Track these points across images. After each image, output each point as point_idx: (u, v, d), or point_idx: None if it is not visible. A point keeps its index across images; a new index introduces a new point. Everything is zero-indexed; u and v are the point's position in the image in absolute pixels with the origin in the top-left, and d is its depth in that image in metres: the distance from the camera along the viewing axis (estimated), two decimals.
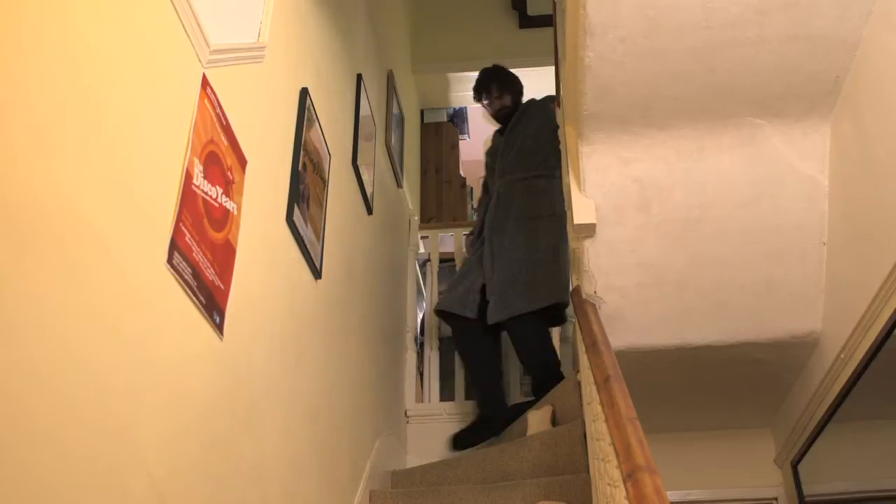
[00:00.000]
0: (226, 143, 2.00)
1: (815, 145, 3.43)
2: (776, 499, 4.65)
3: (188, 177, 1.75)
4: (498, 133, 5.15)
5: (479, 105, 5.23)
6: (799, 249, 3.57)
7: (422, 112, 6.87)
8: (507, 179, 4.80)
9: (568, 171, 3.74)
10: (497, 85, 5.09)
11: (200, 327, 1.78)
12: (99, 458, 1.32)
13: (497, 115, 5.09)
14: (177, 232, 1.68)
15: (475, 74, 6.22)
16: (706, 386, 4.27)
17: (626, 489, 1.98)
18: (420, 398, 5.04)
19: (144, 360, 1.51)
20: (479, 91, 5.11)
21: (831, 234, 3.55)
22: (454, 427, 4.58)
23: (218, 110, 1.96)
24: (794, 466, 4.39)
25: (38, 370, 1.18)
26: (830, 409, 3.84)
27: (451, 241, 5.62)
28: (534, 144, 4.83)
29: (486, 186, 5.08)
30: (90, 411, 1.31)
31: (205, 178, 1.84)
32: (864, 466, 3.67)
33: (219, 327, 1.88)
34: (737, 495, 4.70)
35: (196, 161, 1.80)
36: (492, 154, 5.07)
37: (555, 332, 5.42)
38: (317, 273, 2.78)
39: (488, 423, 4.37)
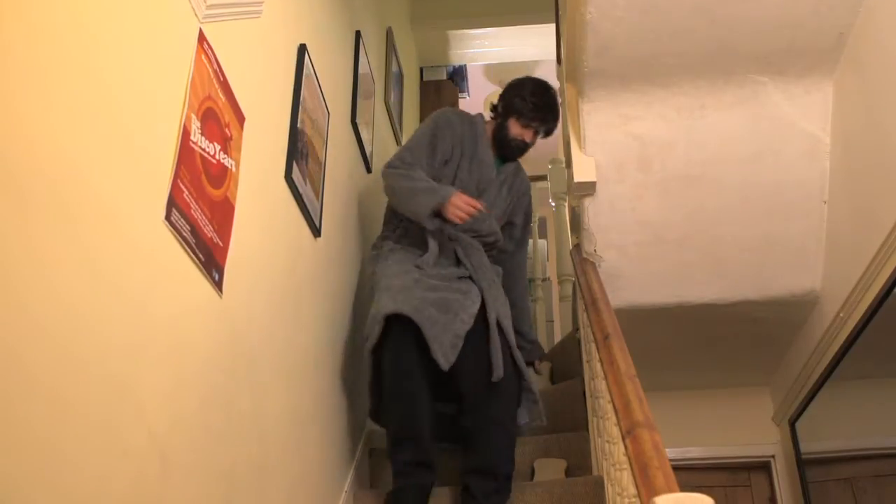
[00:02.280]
0: (223, 99, 1.98)
1: (817, 103, 3.41)
2: (773, 456, 4.69)
3: (185, 133, 1.74)
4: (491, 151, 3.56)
5: (521, 128, 3.48)
6: (799, 207, 3.56)
7: (421, 70, 6.82)
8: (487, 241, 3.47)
9: (568, 129, 3.71)
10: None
11: (199, 284, 1.78)
12: (99, 412, 1.33)
13: (518, 148, 3.53)
14: (175, 189, 1.67)
15: (475, 32, 6.11)
16: (705, 344, 4.28)
17: (625, 445, 1.99)
18: None
19: (143, 316, 1.51)
20: (548, 120, 3.54)
21: (832, 193, 3.54)
22: None
23: (215, 66, 1.94)
24: (792, 424, 4.42)
25: (37, 325, 1.17)
26: (829, 368, 3.85)
27: None
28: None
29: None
30: (89, 366, 1.31)
31: (202, 134, 1.83)
32: (862, 425, 3.69)
33: (218, 284, 1.87)
34: (734, 453, 4.73)
35: (193, 117, 1.78)
36: (469, 155, 3.50)
37: (554, 291, 5.42)
38: (316, 231, 2.77)
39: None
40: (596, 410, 3.21)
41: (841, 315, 3.57)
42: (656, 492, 1.57)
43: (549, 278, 5.85)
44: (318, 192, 2.85)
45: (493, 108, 3.63)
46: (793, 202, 3.57)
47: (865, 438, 3.67)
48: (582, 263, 3.54)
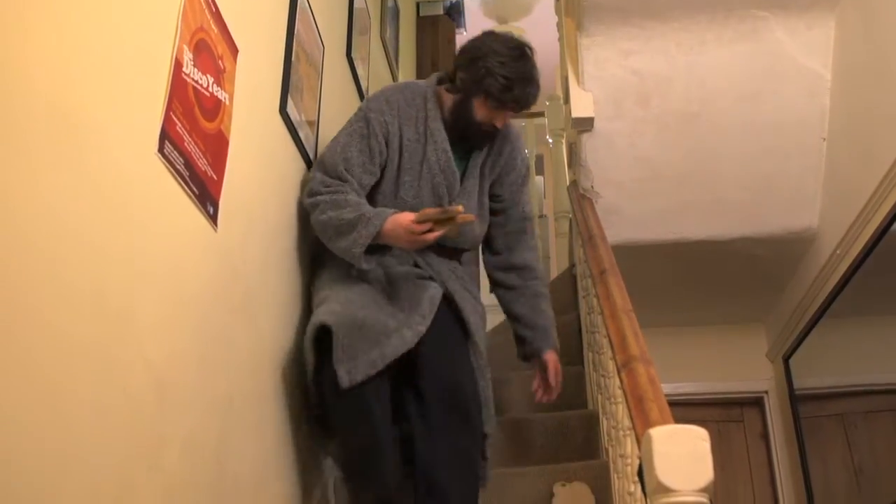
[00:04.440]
0: (216, 30, 1.95)
1: (819, 39, 3.37)
2: (766, 392, 4.74)
3: (177, 65, 1.71)
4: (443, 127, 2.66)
5: (490, 111, 2.58)
6: (799, 145, 3.55)
7: (417, 5, 6.72)
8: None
9: (566, 64, 3.68)
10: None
11: (194, 217, 1.76)
12: (97, 345, 1.32)
13: (484, 135, 2.65)
14: (167, 121, 1.64)
15: None
16: (701, 281, 4.29)
17: (620, 379, 2.00)
18: None
19: (139, 249, 1.50)
20: (526, 100, 2.60)
21: (832, 130, 3.52)
22: None
23: None
24: (786, 361, 4.45)
25: (34, 256, 1.16)
26: (824, 305, 3.87)
27: None
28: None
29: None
30: (87, 298, 1.30)
31: (195, 66, 1.80)
32: (855, 361, 3.71)
33: (213, 218, 1.86)
34: (728, 388, 4.78)
35: (185, 49, 1.75)
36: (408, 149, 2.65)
37: (550, 227, 5.41)
38: (311, 163, 2.75)
39: None
40: (591, 345, 3.23)
41: (837, 252, 3.57)
42: (651, 424, 1.58)
43: (545, 215, 5.84)
44: (314, 126, 2.82)
45: (450, 79, 2.66)
46: (792, 140, 3.55)
47: (858, 375, 3.70)
48: (579, 200, 3.54)
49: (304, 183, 2.61)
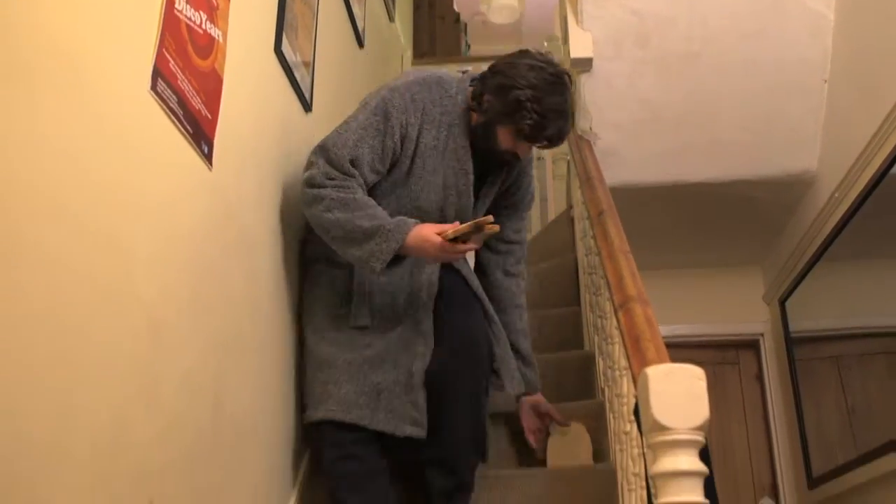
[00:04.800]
0: None
1: None
2: (762, 334, 4.76)
3: (170, 1, 1.68)
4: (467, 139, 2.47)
5: (515, 141, 2.39)
6: (800, 85, 3.52)
7: None
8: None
9: (566, 4, 3.62)
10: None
11: (188, 156, 1.74)
12: (91, 278, 1.32)
13: (505, 162, 2.51)
14: (160, 58, 1.62)
15: None
16: (699, 224, 4.29)
17: (617, 319, 2.00)
18: None
19: (132, 187, 1.48)
20: (557, 139, 2.41)
21: (833, 71, 3.48)
22: None
23: None
24: (782, 303, 4.46)
25: (30, 189, 1.15)
26: (821, 248, 3.87)
27: None
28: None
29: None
30: (79, 235, 1.29)
31: (187, 2, 1.77)
32: (850, 304, 3.72)
33: (207, 157, 1.84)
34: (724, 330, 4.80)
35: None
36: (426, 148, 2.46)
37: (548, 169, 5.38)
38: (307, 105, 2.72)
39: None
40: (589, 287, 3.23)
41: (836, 195, 3.56)
42: (648, 363, 1.58)
43: (543, 157, 5.80)
44: (309, 66, 2.79)
45: (477, 98, 2.42)
46: (793, 81, 3.52)
47: (853, 318, 3.71)
48: (577, 141, 3.51)
49: (305, 177, 2.37)
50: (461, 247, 2.22)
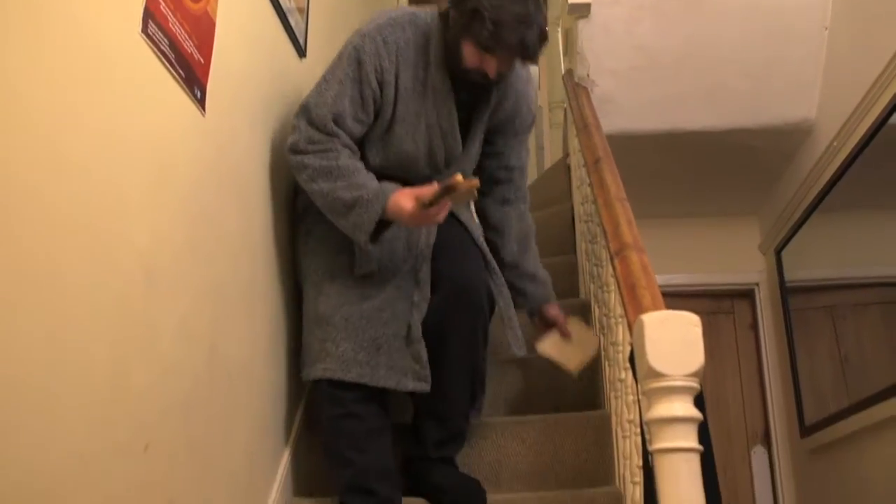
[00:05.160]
0: None
1: None
2: (758, 284, 4.76)
3: None
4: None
5: (479, 57, 2.24)
6: (800, 32, 3.48)
7: None
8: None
9: None
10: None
11: (181, 101, 1.72)
12: (85, 229, 1.30)
13: (477, 83, 2.32)
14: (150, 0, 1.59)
15: None
16: (696, 173, 4.27)
17: (613, 267, 2.00)
18: None
19: (125, 131, 1.46)
20: (523, 51, 2.23)
21: (834, 18, 3.45)
22: None
23: None
24: (778, 253, 4.46)
25: (21, 131, 1.13)
26: (818, 198, 3.86)
27: None
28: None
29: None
30: (73, 181, 1.28)
31: None
32: (846, 255, 3.72)
33: (200, 102, 1.82)
34: (719, 280, 4.80)
35: None
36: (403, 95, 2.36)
37: (545, 118, 5.35)
38: (301, 51, 2.69)
39: None
40: (585, 235, 3.23)
41: (834, 144, 3.54)
42: (643, 310, 1.58)
43: (540, 106, 5.77)
44: (304, 11, 2.75)
45: (443, 16, 2.34)
46: (793, 27, 3.48)
47: (848, 268, 3.71)
48: (574, 88, 3.48)
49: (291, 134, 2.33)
50: (433, 212, 2.12)
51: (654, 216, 4.49)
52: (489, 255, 2.49)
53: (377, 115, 2.34)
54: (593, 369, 2.75)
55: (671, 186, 4.42)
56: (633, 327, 1.55)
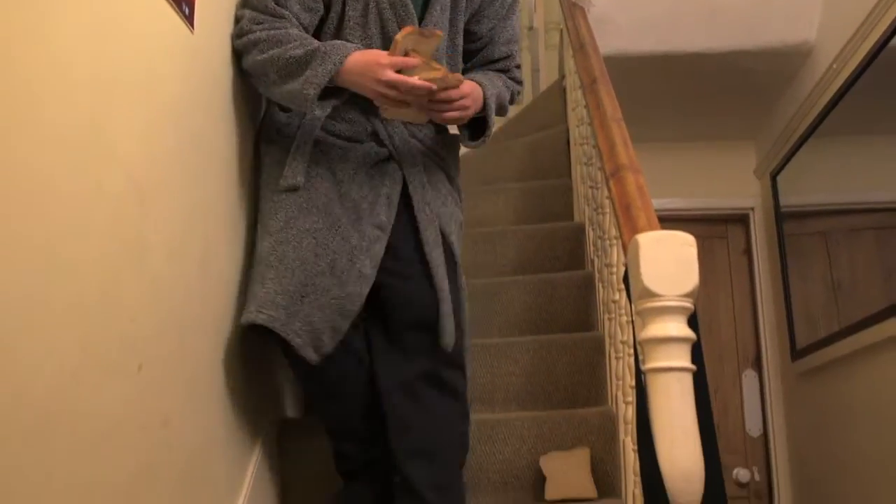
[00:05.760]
0: None
1: None
2: (752, 209, 4.76)
3: None
4: None
5: None
6: None
7: None
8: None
9: None
10: None
11: (168, 18, 1.67)
12: (71, 152, 1.28)
13: None
14: None
15: None
16: (692, 96, 4.23)
17: (609, 188, 1.98)
18: None
19: (110, 50, 1.43)
20: None
21: None
22: None
23: None
24: (774, 178, 4.45)
25: (6, 61, 1.11)
26: (815, 122, 3.83)
27: None
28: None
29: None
30: (61, 99, 1.25)
31: None
32: (841, 180, 3.71)
33: (188, 19, 1.77)
34: (714, 205, 4.79)
35: None
36: None
37: (540, 40, 5.27)
38: None
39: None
40: (580, 158, 3.20)
41: (834, 66, 3.50)
42: (638, 231, 1.57)
43: (535, 27, 5.68)
44: None
45: None
46: None
47: (843, 193, 3.71)
48: (570, 8, 3.42)
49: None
50: (407, 81, 1.84)
51: (650, 140, 4.45)
52: (456, 257, 2.14)
53: (327, 13, 2.08)
54: (587, 292, 2.75)
55: (667, 110, 4.38)
56: (628, 247, 1.54)
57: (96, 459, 1.28)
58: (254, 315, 1.88)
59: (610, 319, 2.41)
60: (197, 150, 1.82)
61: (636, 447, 1.61)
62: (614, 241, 2.30)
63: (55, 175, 1.22)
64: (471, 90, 1.98)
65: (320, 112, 2.04)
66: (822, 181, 3.93)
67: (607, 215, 2.40)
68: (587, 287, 2.78)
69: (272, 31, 1.97)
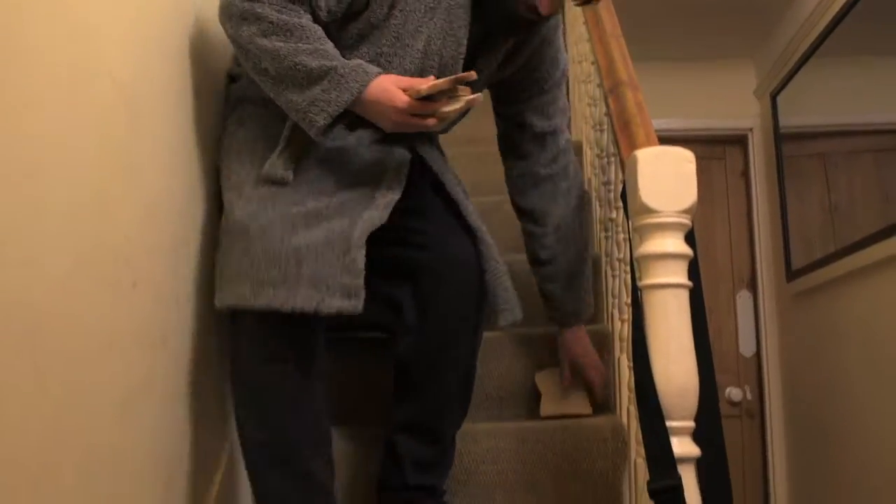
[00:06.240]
0: None
1: None
2: (751, 129, 4.72)
3: None
4: None
5: None
6: None
7: None
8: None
9: None
10: None
11: None
12: (63, 63, 1.25)
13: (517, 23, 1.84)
14: None
15: None
16: (692, 14, 4.17)
17: (607, 105, 1.96)
18: None
19: None
20: None
21: None
22: None
23: None
24: (774, 98, 4.41)
25: None
26: (817, 42, 3.78)
27: None
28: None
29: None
30: (47, 12, 1.22)
31: None
32: (842, 101, 3.67)
33: None
34: (713, 125, 4.75)
35: None
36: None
37: None
38: None
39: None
40: (578, 76, 3.17)
41: None
42: (637, 146, 1.55)
43: None
44: None
45: None
46: None
47: (843, 115, 3.67)
48: None
49: None
50: (429, 119, 1.65)
51: (649, 59, 4.38)
52: (482, 233, 1.92)
53: (360, 13, 1.78)
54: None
55: (666, 28, 4.31)
56: (626, 163, 1.53)
57: (92, 371, 1.28)
58: (250, 298, 1.61)
59: (607, 238, 2.41)
60: (187, 69, 1.79)
61: (631, 364, 1.62)
62: (612, 159, 2.28)
63: (45, 91, 1.20)
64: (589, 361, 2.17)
65: (327, 141, 1.76)
66: (823, 102, 3.89)
67: (605, 132, 2.38)
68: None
69: (284, 16, 1.66)
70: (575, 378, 2.21)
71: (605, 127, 2.37)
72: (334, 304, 1.62)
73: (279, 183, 1.72)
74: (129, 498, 1.43)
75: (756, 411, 4.54)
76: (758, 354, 4.57)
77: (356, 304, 1.65)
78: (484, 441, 2.09)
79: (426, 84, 1.59)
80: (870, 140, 3.47)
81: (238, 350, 1.73)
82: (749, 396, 4.55)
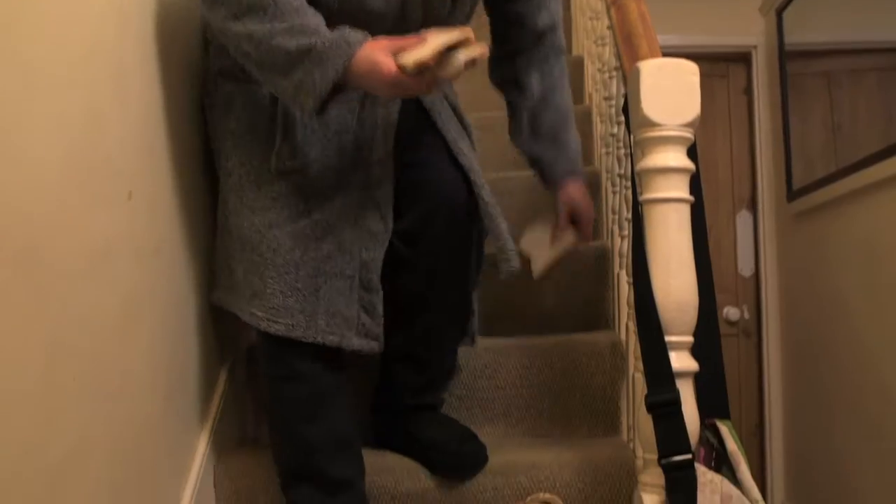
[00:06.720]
0: None
1: None
2: (755, 47, 4.64)
3: None
4: None
5: None
6: None
7: None
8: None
9: None
10: None
11: None
12: None
13: None
14: None
15: None
16: None
17: (609, 17, 1.92)
18: None
19: None
20: None
21: None
22: None
23: None
24: (779, 14, 4.32)
25: None
26: None
27: None
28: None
29: None
30: None
31: None
32: (848, 17, 3.60)
33: None
34: (716, 42, 4.66)
35: None
36: None
37: None
38: None
39: None
40: None
41: None
42: (640, 59, 1.52)
43: None
44: None
45: None
46: None
47: (848, 32, 3.61)
48: None
49: None
50: (420, 78, 1.47)
51: None
52: (474, 174, 1.78)
53: None
54: (585, 123, 2.71)
55: None
56: (629, 76, 1.50)
57: (89, 283, 1.28)
58: (267, 323, 1.61)
59: (608, 153, 2.38)
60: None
61: (631, 279, 1.61)
62: (614, 74, 2.24)
63: (30, 16, 1.17)
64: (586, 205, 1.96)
65: (317, 115, 1.57)
66: (829, 18, 3.82)
67: (608, 46, 2.33)
68: (585, 122, 2.74)
69: None
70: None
71: (608, 41, 2.33)
72: (353, 342, 1.66)
73: (286, 173, 1.66)
74: (131, 409, 1.44)
75: (753, 331, 4.56)
76: (756, 274, 4.57)
77: (375, 346, 1.70)
78: (483, 356, 2.10)
79: (412, 59, 1.42)
80: (875, 59, 3.41)
81: (261, 363, 1.75)
82: (746, 316, 4.57)
